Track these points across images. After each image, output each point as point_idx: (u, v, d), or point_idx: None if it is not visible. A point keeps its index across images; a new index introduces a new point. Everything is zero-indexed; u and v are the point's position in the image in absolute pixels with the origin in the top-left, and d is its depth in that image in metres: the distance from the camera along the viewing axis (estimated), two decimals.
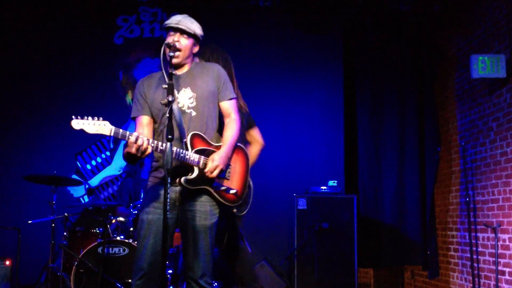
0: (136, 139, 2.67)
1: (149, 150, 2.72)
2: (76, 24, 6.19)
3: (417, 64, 6.02)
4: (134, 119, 3.06)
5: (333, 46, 6.24)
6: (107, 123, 2.67)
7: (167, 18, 3.16)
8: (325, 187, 5.57)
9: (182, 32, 2.99)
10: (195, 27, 3.04)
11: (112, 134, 2.66)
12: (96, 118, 2.66)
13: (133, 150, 2.68)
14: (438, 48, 5.90)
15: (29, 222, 4.70)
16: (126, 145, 2.74)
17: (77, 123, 2.63)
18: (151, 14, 6.30)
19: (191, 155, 2.88)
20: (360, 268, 5.80)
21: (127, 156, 2.78)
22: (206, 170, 2.88)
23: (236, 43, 6.14)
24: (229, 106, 3.11)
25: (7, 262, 4.91)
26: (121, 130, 2.68)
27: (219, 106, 3.11)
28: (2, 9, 6.04)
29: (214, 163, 2.89)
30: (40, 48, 6.18)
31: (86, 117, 2.65)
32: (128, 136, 2.68)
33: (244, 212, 3.73)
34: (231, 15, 6.19)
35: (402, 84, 6.07)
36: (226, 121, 3.11)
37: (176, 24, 2.99)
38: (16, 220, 5.25)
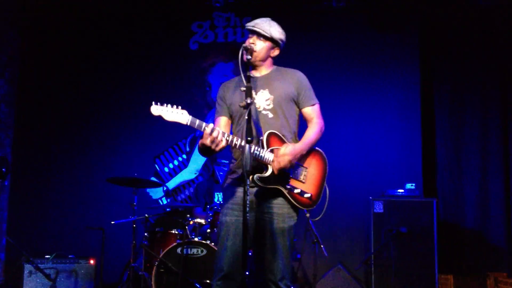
0: (212, 131, 2.71)
1: (223, 143, 2.75)
2: (153, 31, 6.42)
3: (500, 61, 5.74)
4: (214, 120, 3.14)
5: (409, 45, 6.05)
6: (185, 112, 2.74)
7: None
8: (402, 190, 5.42)
9: (259, 34, 3.03)
10: (273, 31, 3.05)
11: (188, 123, 2.72)
12: (175, 106, 2.73)
13: (208, 142, 2.71)
14: None
15: (112, 222, 4.90)
16: (201, 137, 2.77)
17: (156, 109, 2.71)
18: (225, 19, 6.40)
19: (266, 154, 2.89)
20: (440, 274, 5.60)
21: (202, 148, 2.81)
22: (274, 159, 2.85)
23: (309, 45, 6.12)
24: (311, 112, 3.10)
25: (92, 261, 5.13)
26: (197, 120, 2.74)
27: (301, 112, 3.11)
28: (83, 17, 6.36)
29: (285, 151, 2.85)
30: (119, 55, 6.44)
31: (165, 104, 2.72)
32: (204, 127, 2.73)
33: (319, 217, 3.70)
34: (303, 17, 6.17)
35: (484, 83, 5.81)
36: (309, 125, 3.10)
37: (252, 26, 3.04)
38: (100, 221, 5.46)
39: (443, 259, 5.40)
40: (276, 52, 3.12)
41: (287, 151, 2.86)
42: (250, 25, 3.05)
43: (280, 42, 3.10)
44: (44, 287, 4.79)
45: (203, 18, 6.42)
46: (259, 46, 3.02)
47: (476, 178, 5.70)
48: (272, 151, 2.91)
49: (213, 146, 2.73)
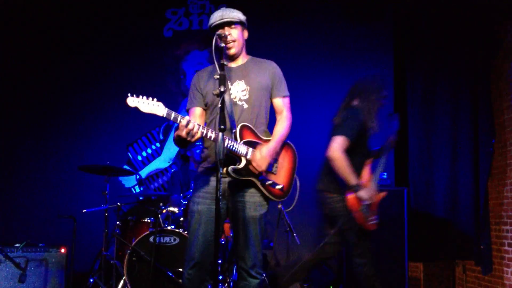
0: (187, 123, 2.70)
1: (199, 135, 2.76)
2: (127, 17, 6.34)
3: (472, 54, 5.81)
4: (188, 111, 3.13)
5: (383, 36, 6.10)
6: (161, 104, 2.72)
7: (215, 10, 3.18)
8: None
9: (229, 24, 3.01)
10: (237, 14, 3.07)
11: (165, 115, 2.71)
12: (151, 98, 2.71)
13: (183, 133, 2.72)
14: (493, 38, 5.69)
15: (83, 211, 4.85)
16: (177, 128, 2.77)
17: (132, 101, 2.69)
18: (199, 6, 6.36)
19: (239, 146, 2.90)
20: (410, 262, 5.70)
21: (177, 140, 2.82)
22: (253, 163, 2.90)
23: (283, 33, 6.12)
24: (282, 103, 3.13)
25: (63, 250, 5.06)
26: (173, 113, 2.73)
27: (271, 102, 3.13)
28: (53, 4, 6.24)
29: (262, 154, 2.91)
30: (92, 42, 6.35)
31: (141, 96, 2.70)
32: (180, 119, 2.72)
33: (291, 208, 3.72)
34: (278, 5, 6.17)
35: (455, 74, 5.88)
36: (278, 117, 3.13)
37: (220, 20, 3.01)
38: (71, 209, 5.41)
39: (413, 247, 5.50)
40: (246, 33, 3.14)
41: (264, 154, 2.91)
42: (216, 20, 3.01)
43: (245, 22, 3.11)
44: (14, 276, 4.71)
45: (178, 5, 6.36)
46: (235, 34, 3.03)
47: (446, 169, 5.79)
48: (245, 143, 2.92)
49: (188, 138, 2.74)
